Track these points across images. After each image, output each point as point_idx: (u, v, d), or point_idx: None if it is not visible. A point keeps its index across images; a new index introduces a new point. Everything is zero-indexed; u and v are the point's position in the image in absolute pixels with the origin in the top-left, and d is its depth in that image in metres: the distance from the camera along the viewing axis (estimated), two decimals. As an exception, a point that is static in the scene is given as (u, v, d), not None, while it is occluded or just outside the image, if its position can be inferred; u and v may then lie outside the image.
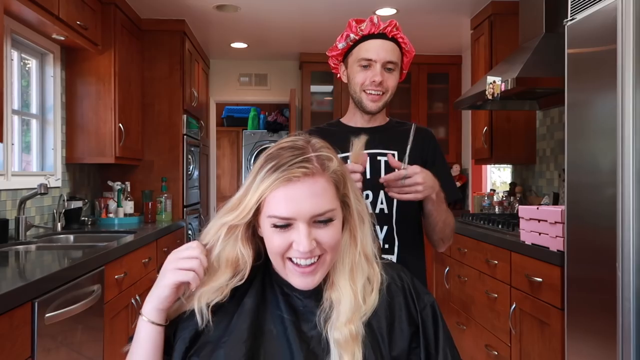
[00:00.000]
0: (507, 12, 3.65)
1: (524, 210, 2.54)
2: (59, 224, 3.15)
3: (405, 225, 1.57)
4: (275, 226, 0.93)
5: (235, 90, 5.62)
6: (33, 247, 2.65)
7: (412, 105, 5.20)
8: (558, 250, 2.24)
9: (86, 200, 3.58)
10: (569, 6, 2.14)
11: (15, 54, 2.96)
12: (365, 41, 1.55)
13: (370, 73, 1.54)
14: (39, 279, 1.72)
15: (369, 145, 1.41)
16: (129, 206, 3.80)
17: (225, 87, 5.61)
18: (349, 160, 1.52)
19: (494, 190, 4.22)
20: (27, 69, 3.21)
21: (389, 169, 1.45)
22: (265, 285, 1.02)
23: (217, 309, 0.97)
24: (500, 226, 3.02)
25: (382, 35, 1.54)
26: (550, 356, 2.32)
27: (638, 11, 1.75)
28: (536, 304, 2.41)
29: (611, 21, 1.84)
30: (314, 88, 5.29)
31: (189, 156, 4.41)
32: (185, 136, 4.23)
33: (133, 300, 2.72)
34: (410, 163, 1.45)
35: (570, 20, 2.13)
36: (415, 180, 1.36)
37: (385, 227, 1.56)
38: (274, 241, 0.94)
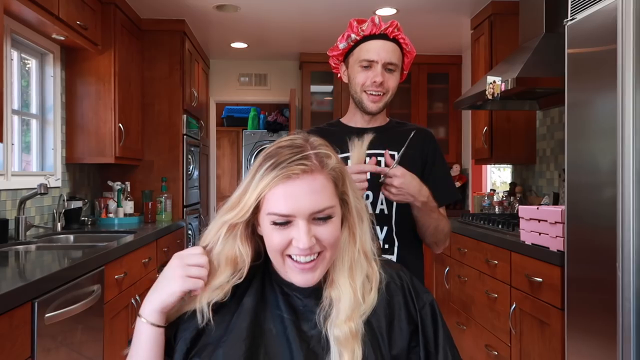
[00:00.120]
0: (507, 12, 3.65)
1: (524, 210, 2.54)
2: (59, 224, 3.15)
3: (405, 226, 1.57)
4: (275, 223, 0.93)
5: (235, 90, 5.62)
6: (33, 247, 2.65)
7: (412, 105, 5.20)
8: (558, 250, 2.24)
9: (86, 200, 3.58)
10: (569, 6, 2.14)
11: (15, 54, 2.96)
12: (366, 41, 1.55)
13: (371, 73, 1.54)
14: (39, 279, 1.72)
15: (369, 146, 1.42)
16: (129, 206, 3.80)
17: (225, 87, 5.61)
18: (349, 161, 1.52)
19: (494, 190, 4.22)
20: (27, 69, 3.21)
21: None
22: (265, 284, 1.02)
23: (218, 309, 0.97)
24: (500, 226, 3.02)
25: (383, 36, 1.55)
26: (550, 356, 2.32)
27: (638, 11, 1.75)
28: (536, 304, 2.41)
29: (611, 21, 1.84)
30: (314, 88, 5.29)
31: (189, 156, 4.41)
32: (185, 136, 4.23)
33: (133, 300, 2.72)
34: (409, 164, 1.47)
35: (570, 20, 2.13)
36: (392, 182, 1.39)
37: (385, 228, 1.56)
38: (273, 238, 0.94)
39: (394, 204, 1.54)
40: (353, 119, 1.66)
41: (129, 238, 2.87)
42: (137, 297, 2.76)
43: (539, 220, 2.39)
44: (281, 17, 4.12)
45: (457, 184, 4.95)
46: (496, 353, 2.83)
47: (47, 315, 1.74)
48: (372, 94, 1.56)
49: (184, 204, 4.28)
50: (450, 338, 1.04)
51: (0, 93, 2.18)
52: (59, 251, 2.66)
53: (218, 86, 5.60)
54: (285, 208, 0.91)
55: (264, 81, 5.62)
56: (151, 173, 4.13)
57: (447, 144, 5.18)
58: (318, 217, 0.93)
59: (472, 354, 3.20)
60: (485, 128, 3.75)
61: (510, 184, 4.09)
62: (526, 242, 2.51)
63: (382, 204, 1.56)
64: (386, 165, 1.44)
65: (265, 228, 0.95)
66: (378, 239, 1.54)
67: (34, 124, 3.25)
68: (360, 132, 1.58)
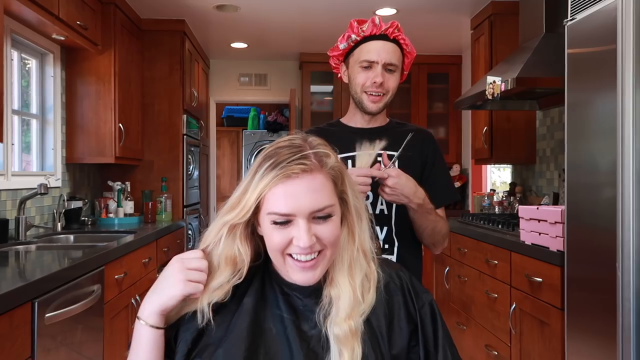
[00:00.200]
0: (507, 12, 3.65)
1: (524, 210, 2.54)
2: (59, 224, 3.15)
3: (405, 226, 1.57)
4: (275, 223, 0.93)
5: (235, 90, 5.62)
6: (33, 247, 2.65)
7: (412, 105, 5.20)
8: (558, 250, 2.24)
9: (86, 200, 3.58)
10: (569, 6, 2.14)
11: (15, 54, 2.96)
12: (366, 42, 1.55)
13: (372, 74, 1.54)
14: (39, 279, 1.72)
15: (369, 147, 1.43)
16: (129, 206, 3.80)
17: (225, 87, 5.61)
18: (348, 162, 1.52)
19: (494, 190, 4.22)
20: (27, 69, 3.21)
21: None
22: (265, 284, 1.02)
23: (218, 309, 0.97)
24: (500, 226, 3.02)
25: (383, 37, 1.55)
26: (550, 356, 2.32)
27: (638, 11, 1.75)
28: (536, 304, 2.41)
29: (611, 21, 1.84)
30: (314, 88, 5.29)
31: (189, 156, 4.41)
32: (185, 136, 4.23)
33: (133, 300, 2.72)
34: (408, 166, 1.47)
35: (570, 20, 2.13)
36: (386, 182, 1.40)
37: (385, 228, 1.56)
38: (274, 238, 0.94)
39: (394, 204, 1.55)
40: (353, 119, 1.66)
41: (129, 238, 2.87)
42: (137, 297, 2.76)
43: (539, 220, 2.39)
44: (281, 17, 4.12)
45: (457, 184, 4.96)
46: (496, 353, 2.83)
47: (47, 315, 1.74)
48: (372, 95, 1.56)
49: (184, 204, 4.28)
50: (449, 337, 1.04)
51: (1, 93, 2.18)
52: (59, 251, 2.66)
53: (218, 86, 5.60)
54: (285, 207, 0.92)
55: (264, 81, 5.62)
56: (151, 173, 4.13)
57: (447, 144, 5.18)
58: (318, 216, 0.93)
59: (472, 354, 3.20)
60: (485, 128, 3.75)
61: (510, 184, 4.09)
62: (526, 242, 2.51)
63: (382, 204, 1.56)
64: (384, 165, 1.45)
65: (266, 228, 0.96)
66: (378, 238, 1.54)
67: (34, 124, 3.26)
68: (360, 132, 1.59)
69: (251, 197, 0.94)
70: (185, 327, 0.97)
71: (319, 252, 0.95)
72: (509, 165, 4.26)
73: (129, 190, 3.91)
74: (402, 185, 1.41)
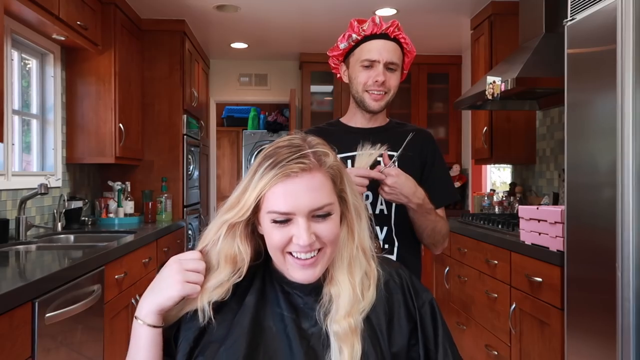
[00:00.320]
0: (507, 12, 3.65)
1: (523, 210, 2.54)
2: (59, 224, 3.16)
3: (404, 226, 1.57)
4: (275, 221, 0.94)
5: (235, 90, 5.62)
6: (33, 247, 2.65)
7: (412, 105, 5.20)
8: (558, 250, 2.24)
9: (86, 200, 3.58)
10: (569, 6, 2.14)
11: (15, 54, 2.97)
12: (367, 41, 1.55)
13: (373, 73, 1.55)
14: (39, 279, 1.72)
15: (370, 148, 1.43)
16: (129, 206, 3.80)
17: (225, 87, 5.61)
18: (348, 162, 1.52)
19: (494, 190, 4.22)
20: (27, 69, 3.21)
21: None
22: (266, 283, 1.03)
23: (220, 307, 0.98)
24: (500, 226, 3.02)
25: (384, 36, 1.55)
26: (550, 356, 2.32)
27: (638, 11, 1.75)
28: (536, 304, 2.41)
29: (611, 21, 1.84)
30: (314, 88, 5.29)
31: (189, 156, 4.41)
32: (185, 136, 4.24)
33: (133, 300, 2.72)
34: (408, 166, 1.47)
35: (570, 20, 2.13)
36: (385, 181, 1.41)
37: (385, 228, 1.56)
38: (274, 236, 0.95)
39: (393, 204, 1.55)
40: (353, 118, 1.66)
41: (129, 238, 2.87)
42: (137, 297, 2.76)
43: (539, 220, 2.39)
44: (281, 17, 4.12)
45: (457, 184, 4.96)
46: (496, 353, 2.83)
47: (47, 315, 1.74)
48: (374, 93, 1.56)
49: (184, 204, 4.28)
50: (449, 336, 1.05)
51: (1, 93, 2.18)
52: (59, 251, 2.66)
53: (218, 86, 5.60)
54: (285, 206, 0.93)
55: (264, 81, 5.62)
56: (151, 173, 4.13)
57: (447, 144, 5.18)
58: (317, 215, 0.94)
59: (472, 354, 3.20)
60: (485, 128, 3.75)
61: (510, 184, 4.09)
62: (526, 242, 2.51)
63: (381, 204, 1.56)
64: (383, 164, 1.45)
65: (266, 226, 0.96)
66: (377, 238, 1.54)
67: (34, 124, 3.26)
68: (360, 132, 1.59)
69: (251, 196, 0.95)
70: (186, 326, 0.98)
71: (319, 250, 0.96)
72: (509, 165, 4.26)
73: (129, 190, 3.91)
74: (401, 184, 1.41)
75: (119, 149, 3.48)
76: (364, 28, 1.55)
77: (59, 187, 3.33)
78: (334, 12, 3.93)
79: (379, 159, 1.49)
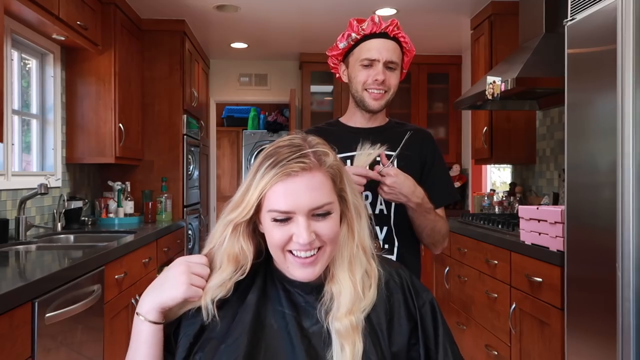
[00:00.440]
0: (507, 12, 3.65)
1: (523, 210, 2.54)
2: (59, 224, 3.16)
3: (404, 226, 1.57)
4: (276, 220, 0.95)
5: (235, 90, 5.62)
6: (33, 247, 2.65)
7: (412, 105, 5.20)
8: (558, 250, 2.24)
9: (86, 200, 3.58)
10: (569, 6, 2.14)
11: (15, 54, 2.97)
12: (366, 40, 1.55)
13: (373, 72, 1.54)
14: (39, 279, 1.72)
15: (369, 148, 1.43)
16: (129, 206, 3.80)
17: (225, 87, 5.61)
18: (347, 162, 1.52)
19: (494, 190, 4.22)
20: (27, 69, 3.21)
21: None
22: (267, 281, 1.04)
23: (222, 305, 0.99)
24: (500, 226, 3.02)
25: (383, 35, 1.55)
26: (550, 356, 2.32)
27: (638, 11, 1.75)
28: (536, 304, 2.41)
29: (611, 21, 1.84)
30: (314, 88, 5.29)
31: (189, 156, 4.41)
32: (185, 136, 4.23)
33: (133, 300, 2.72)
34: (407, 166, 1.47)
35: (570, 20, 2.13)
36: (384, 181, 1.41)
37: (385, 228, 1.56)
38: (274, 235, 0.96)
39: (392, 204, 1.55)
40: (352, 118, 1.66)
41: (129, 238, 2.87)
42: (137, 297, 2.76)
43: (539, 220, 2.39)
44: (281, 17, 4.12)
45: (457, 184, 4.96)
46: (496, 353, 2.83)
47: (47, 315, 1.74)
48: (374, 92, 1.56)
49: (184, 204, 4.28)
50: (450, 335, 1.05)
51: (1, 93, 2.18)
52: (59, 251, 2.66)
53: (218, 86, 5.60)
54: (285, 205, 0.94)
55: (264, 81, 5.62)
56: (151, 173, 4.13)
57: (447, 144, 5.18)
58: (317, 213, 0.95)
59: (472, 353, 3.20)
60: (485, 128, 3.75)
61: (510, 184, 4.09)
62: (526, 242, 2.51)
63: (381, 204, 1.56)
64: (382, 164, 1.45)
65: (267, 225, 0.97)
66: (377, 238, 1.54)
67: (34, 124, 3.26)
68: (359, 132, 1.59)
69: (253, 195, 0.96)
70: (187, 323, 0.99)
71: (319, 248, 0.97)
72: (509, 165, 4.26)
73: (129, 190, 3.91)
74: (400, 184, 1.41)
75: (119, 149, 3.48)
76: (364, 27, 1.55)
77: (58, 187, 3.33)
78: (334, 12, 3.93)
79: (377, 158, 1.49)
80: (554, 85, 2.69)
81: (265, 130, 7.00)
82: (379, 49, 1.54)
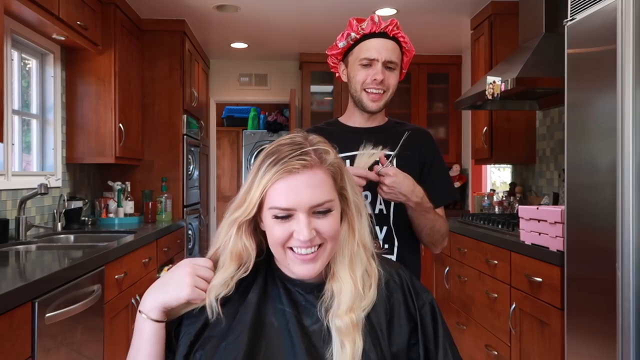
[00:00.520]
0: (507, 12, 3.65)
1: (523, 210, 2.54)
2: (59, 224, 3.16)
3: (403, 226, 1.57)
4: (277, 217, 0.96)
5: (235, 90, 5.62)
6: (33, 247, 2.65)
7: (412, 105, 5.20)
8: (558, 250, 2.24)
9: (86, 200, 3.58)
10: (569, 6, 2.14)
11: (15, 54, 2.97)
12: (366, 40, 1.55)
13: (372, 71, 1.54)
14: (39, 279, 1.72)
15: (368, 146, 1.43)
16: (129, 206, 3.80)
17: (225, 87, 5.61)
18: (347, 162, 1.52)
19: (494, 190, 4.22)
20: (27, 69, 3.21)
21: None
22: (268, 280, 1.04)
23: (224, 302, 0.99)
24: (500, 226, 3.02)
25: (383, 34, 1.55)
26: (550, 356, 2.32)
27: (638, 11, 1.75)
28: (536, 304, 2.41)
29: (611, 21, 1.84)
30: (314, 88, 5.29)
31: (189, 156, 4.41)
32: (185, 136, 4.24)
33: (133, 300, 2.72)
34: (406, 165, 1.47)
35: (570, 20, 2.13)
36: (383, 181, 1.41)
37: (384, 228, 1.56)
38: (275, 232, 0.97)
39: (392, 204, 1.55)
40: (352, 118, 1.66)
41: (129, 238, 2.87)
42: (137, 297, 2.76)
43: (539, 220, 2.39)
44: (281, 17, 4.12)
45: (457, 184, 4.96)
46: (496, 353, 2.83)
47: (47, 315, 1.74)
48: (372, 92, 1.56)
49: (184, 204, 4.28)
50: (450, 336, 1.05)
51: (1, 93, 2.18)
52: (59, 251, 2.66)
53: (218, 86, 5.60)
54: (286, 202, 0.94)
55: (264, 81, 5.62)
56: (151, 173, 4.13)
57: (447, 144, 5.18)
58: (318, 211, 0.96)
59: (472, 354, 3.20)
60: (485, 128, 3.75)
61: (510, 184, 4.09)
62: (526, 242, 2.51)
63: (380, 204, 1.56)
64: (381, 164, 1.45)
65: (268, 222, 0.98)
66: (377, 238, 1.54)
67: (34, 124, 3.26)
68: (359, 132, 1.59)
69: (255, 193, 0.97)
70: (189, 321, 0.99)
71: (319, 245, 0.97)
72: (509, 165, 4.26)
73: (129, 190, 3.91)
74: (399, 183, 1.41)
75: (119, 149, 3.48)
76: (363, 27, 1.55)
77: (59, 187, 3.33)
78: (334, 12, 3.93)
79: (377, 158, 1.49)
80: (554, 85, 2.69)
81: (265, 130, 7.00)
82: (378, 49, 1.54)
